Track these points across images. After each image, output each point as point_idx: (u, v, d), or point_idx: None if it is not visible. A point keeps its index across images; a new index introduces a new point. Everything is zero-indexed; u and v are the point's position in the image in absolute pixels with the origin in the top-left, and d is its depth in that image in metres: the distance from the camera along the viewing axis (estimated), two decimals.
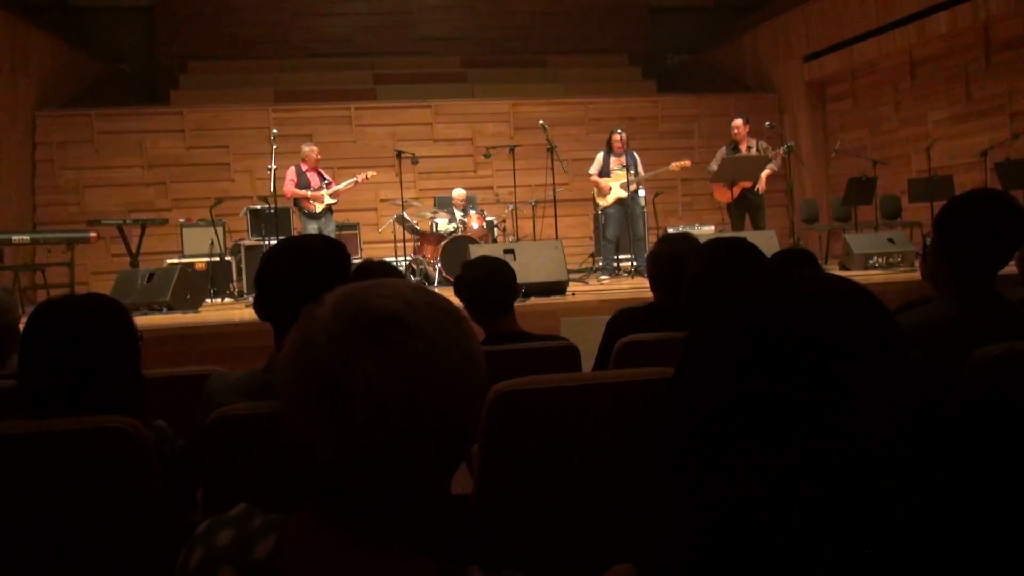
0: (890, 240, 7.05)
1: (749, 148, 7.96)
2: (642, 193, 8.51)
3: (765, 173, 7.74)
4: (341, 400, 0.74)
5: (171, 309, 6.15)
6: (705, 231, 8.94)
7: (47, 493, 1.53)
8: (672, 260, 2.51)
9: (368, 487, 0.77)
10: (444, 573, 0.80)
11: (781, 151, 7.90)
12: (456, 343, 0.79)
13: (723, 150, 8.05)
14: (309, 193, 7.87)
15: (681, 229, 8.92)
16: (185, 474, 1.72)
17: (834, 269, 6.94)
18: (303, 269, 1.58)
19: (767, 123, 8.35)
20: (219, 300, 7.75)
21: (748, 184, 7.73)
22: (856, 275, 6.13)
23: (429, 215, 8.73)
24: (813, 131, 11.28)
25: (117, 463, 1.52)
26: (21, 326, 2.18)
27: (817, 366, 0.67)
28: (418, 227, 8.65)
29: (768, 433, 0.67)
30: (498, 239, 8.76)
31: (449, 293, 6.95)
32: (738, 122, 8.00)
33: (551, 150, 7.90)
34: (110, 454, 1.51)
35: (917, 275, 5.46)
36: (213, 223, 8.10)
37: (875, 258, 6.84)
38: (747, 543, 0.70)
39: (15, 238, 7.44)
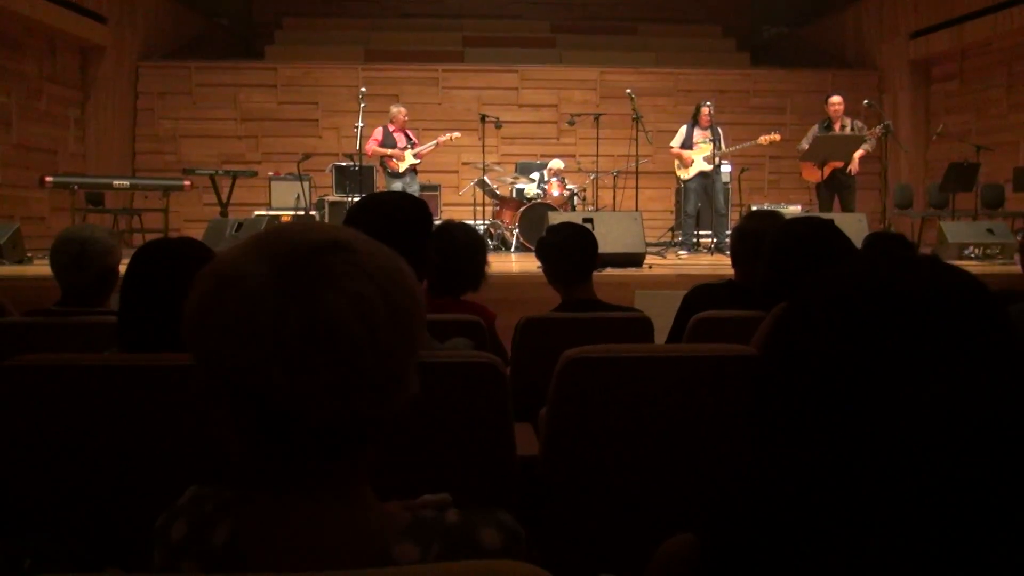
0: (989, 230, 6.71)
1: (843, 127, 7.67)
2: (726, 168, 8.31)
3: (859, 154, 7.46)
4: (280, 331, 0.69)
5: None
6: (791, 211, 8.69)
7: (138, 423, 1.62)
8: (756, 237, 2.46)
9: (318, 418, 0.72)
10: (413, 524, 0.77)
11: (877, 131, 7.59)
12: (393, 275, 0.75)
13: (815, 128, 7.77)
14: (390, 151, 7.98)
15: (766, 207, 8.69)
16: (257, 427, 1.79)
17: None
18: (387, 225, 1.62)
19: (865, 101, 8.00)
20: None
21: (840, 164, 7.46)
22: None
23: (510, 180, 8.74)
24: (914, 113, 10.76)
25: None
26: (121, 267, 2.30)
27: (918, 352, 0.66)
28: (498, 192, 8.68)
29: (861, 417, 0.67)
30: (577, 208, 8.72)
31: (525, 258, 6.96)
32: (835, 99, 7.70)
33: (637, 120, 7.78)
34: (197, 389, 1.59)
35: (1017, 268, 5.20)
36: (300, 178, 8.32)
37: (971, 248, 6.53)
38: (820, 521, 0.69)
39: (116, 183, 7.80)
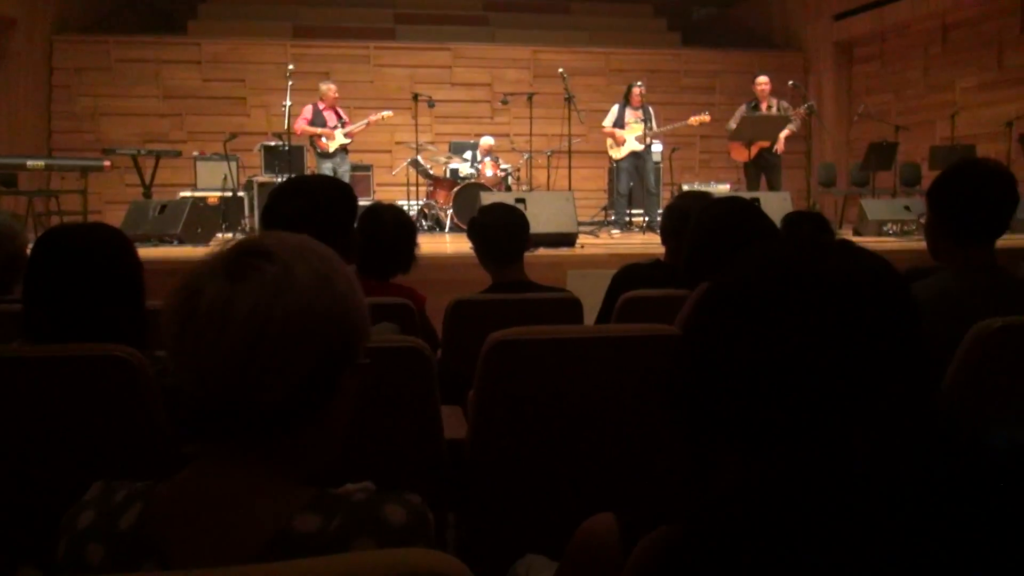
0: (906, 207, 6.97)
1: (770, 107, 7.83)
2: (657, 148, 8.40)
3: (784, 133, 7.63)
4: (193, 316, 0.78)
5: (182, 242, 6.18)
6: (721, 189, 8.86)
7: (47, 417, 1.56)
8: (686, 216, 2.49)
9: (225, 409, 0.79)
10: (318, 497, 0.80)
11: (802, 111, 7.78)
12: (318, 277, 0.81)
13: (743, 108, 7.92)
14: (320, 130, 7.82)
15: (697, 186, 8.84)
16: (178, 410, 1.74)
17: (847, 235, 6.88)
18: (308, 209, 1.59)
19: (790, 82, 8.19)
20: (230, 235, 7.77)
21: (766, 144, 7.63)
22: (869, 241, 6.08)
23: (443, 160, 8.68)
24: (837, 93, 11.07)
25: (117, 390, 1.54)
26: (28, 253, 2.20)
27: (826, 333, 0.68)
28: (431, 171, 8.61)
29: (777, 394, 0.68)
30: (512, 187, 8.71)
31: (460, 239, 6.95)
32: (762, 79, 7.86)
33: (569, 99, 7.80)
34: (110, 381, 1.54)
35: None
36: (227, 158, 8.08)
37: (889, 225, 6.77)
38: (742, 499, 0.70)
39: (30, 163, 7.45)
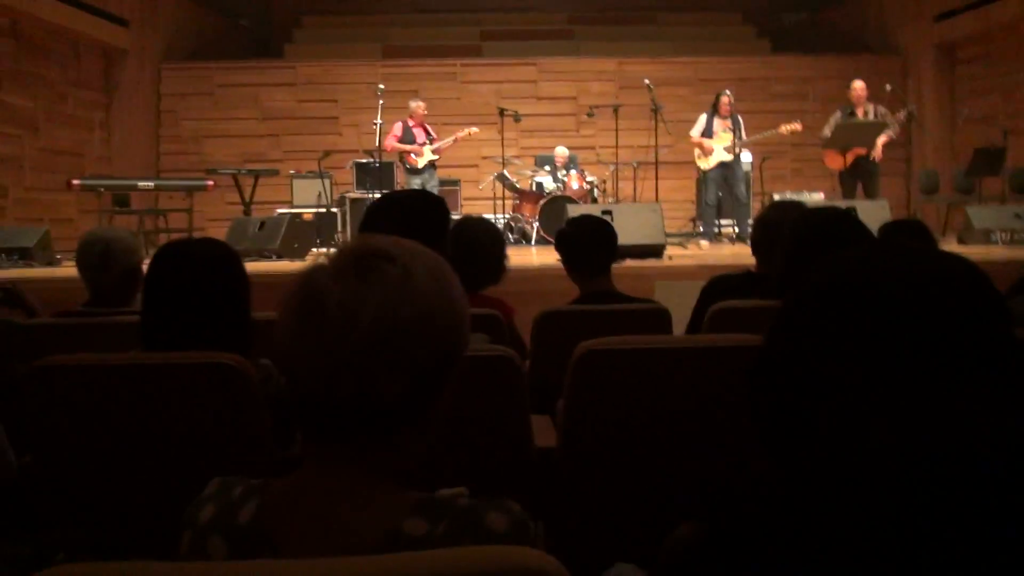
0: (1017, 215, 6.61)
1: (866, 113, 7.58)
2: (747, 157, 8.24)
3: (882, 140, 7.36)
4: (318, 314, 0.79)
5: (280, 257, 6.43)
6: (814, 199, 8.60)
7: (160, 420, 1.66)
8: (777, 226, 2.44)
9: (344, 408, 0.80)
10: (424, 501, 0.82)
11: (901, 116, 7.49)
12: (435, 277, 0.84)
13: (838, 114, 7.69)
14: (409, 147, 8.01)
15: (789, 196, 8.62)
16: (287, 411, 1.82)
17: (951, 244, 6.58)
18: (403, 223, 1.64)
19: (888, 86, 7.90)
20: (325, 250, 8.04)
21: (863, 151, 7.38)
22: (975, 250, 5.80)
23: (529, 173, 8.75)
24: (939, 96, 10.60)
25: (225, 396, 1.63)
26: (144, 267, 2.35)
27: (914, 342, 0.66)
28: (518, 185, 8.69)
29: (858, 405, 0.67)
30: (598, 200, 8.70)
31: (546, 252, 6.97)
32: (858, 84, 7.61)
33: (656, 110, 7.74)
34: (219, 387, 1.63)
35: None
36: (321, 175, 8.37)
37: (998, 233, 6.44)
38: (823, 511, 0.70)
39: (141, 184, 7.92)
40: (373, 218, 1.71)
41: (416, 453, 0.87)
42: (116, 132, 9.92)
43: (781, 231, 2.40)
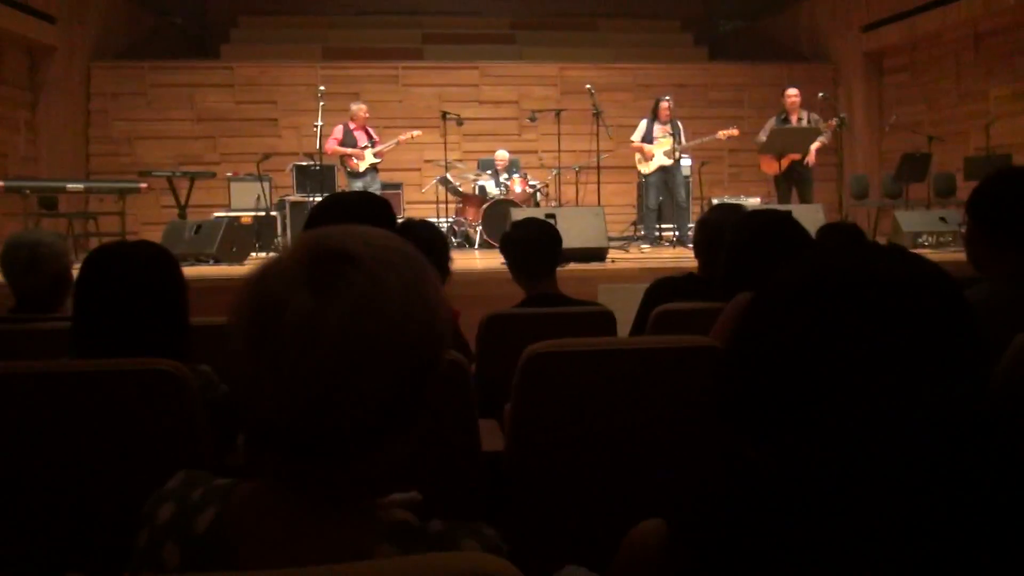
0: (942, 219, 6.88)
1: (800, 120, 7.79)
2: (686, 162, 8.39)
3: (815, 146, 7.59)
4: (275, 330, 0.71)
5: (217, 261, 6.28)
6: (751, 203, 8.80)
7: (95, 429, 1.59)
8: (719, 229, 2.49)
9: (306, 430, 0.72)
10: (396, 527, 0.76)
11: (833, 123, 7.72)
12: (407, 285, 0.74)
13: (772, 121, 7.89)
14: (350, 151, 7.92)
15: (726, 200, 8.80)
16: (227, 418, 1.77)
17: None
18: (348, 222, 1.61)
19: (820, 94, 8.14)
20: (264, 254, 7.88)
21: (797, 156, 7.59)
22: None
23: (472, 177, 8.74)
24: (868, 104, 10.98)
25: (163, 403, 1.58)
26: (73, 271, 2.26)
27: (883, 339, 0.68)
28: (460, 189, 8.67)
29: (824, 406, 0.68)
30: (540, 204, 8.74)
31: (490, 255, 6.97)
32: (791, 91, 7.83)
33: (597, 115, 7.82)
34: (156, 395, 1.58)
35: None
36: (260, 178, 8.21)
37: (925, 236, 6.69)
38: (783, 510, 0.71)
39: (70, 186, 7.64)
40: (318, 218, 1.68)
41: (396, 464, 0.79)
42: (43, 132, 9.55)
43: (722, 233, 2.44)
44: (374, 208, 1.69)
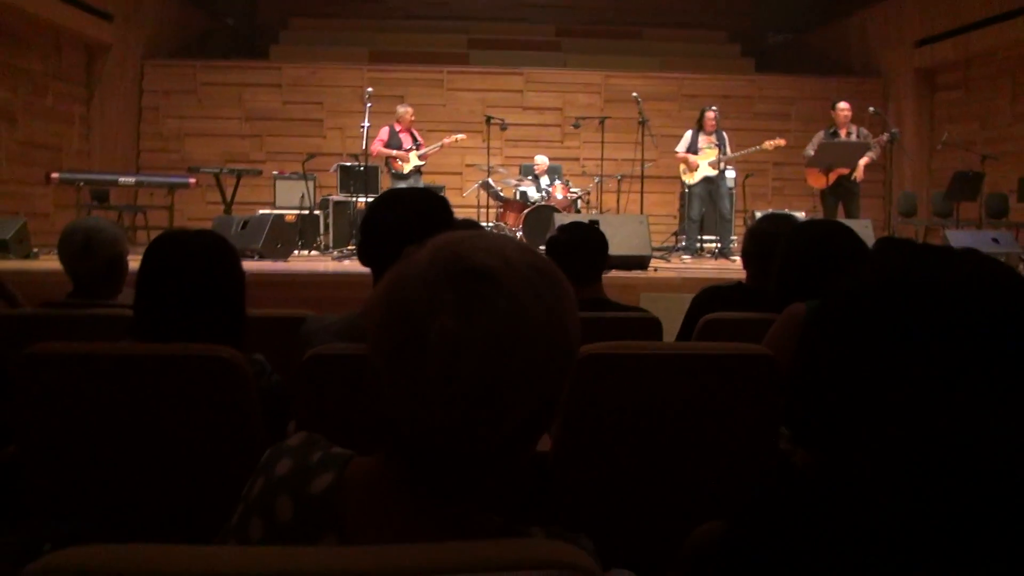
0: (994, 240, 6.72)
1: (849, 134, 7.68)
2: (730, 174, 8.31)
3: (863, 161, 7.47)
4: (416, 351, 0.71)
5: (262, 257, 6.37)
6: (797, 217, 8.70)
7: (152, 411, 1.63)
8: (771, 239, 2.45)
9: (436, 450, 0.74)
10: (507, 530, 0.77)
11: (884, 138, 7.60)
12: (548, 308, 0.73)
13: (821, 134, 7.79)
14: (395, 152, 7.99)
15: (770, 212, 8.70)
16: (279, 407, 1.80)
17: None
18: (407, 219, 1.63)
19: (871, 109, 8.03)
20: (306, 252, 7.98)
21: (845, 171, 7.48)
22: None
23: (514, 182, 8.76)
24: (919, 121, 10.78)
25: (219, 389, 1.60)
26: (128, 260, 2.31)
27: (971, 342, 0.66)
28: (502, 194, 8.69)
29: (910, 407, 0.67)
30: (581, 211, 8.73)
31: None
32: (842, 105, 7.71)
33: (643, 123, 7.79)
34: (213, 380, 1.60)
35: None
36: (304, 177, 8.32)
37: None
38: (860, 510, 0.69)
39: (121, 180, 7.82)
40: (376, 214, 1.69)
41: (514, 471, 0.80)
42: (96, 127, 9.79)
43: (774, 243, 2.41)
44: (433, 206, 1.70)
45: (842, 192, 7.56)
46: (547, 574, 0.63)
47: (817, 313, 0.78)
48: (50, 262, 5.65)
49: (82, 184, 7.56)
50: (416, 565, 0.63)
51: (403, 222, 1.64)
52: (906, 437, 0.67)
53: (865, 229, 6.16)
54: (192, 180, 7.86)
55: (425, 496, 0.76)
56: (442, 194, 1.82)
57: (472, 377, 0.70)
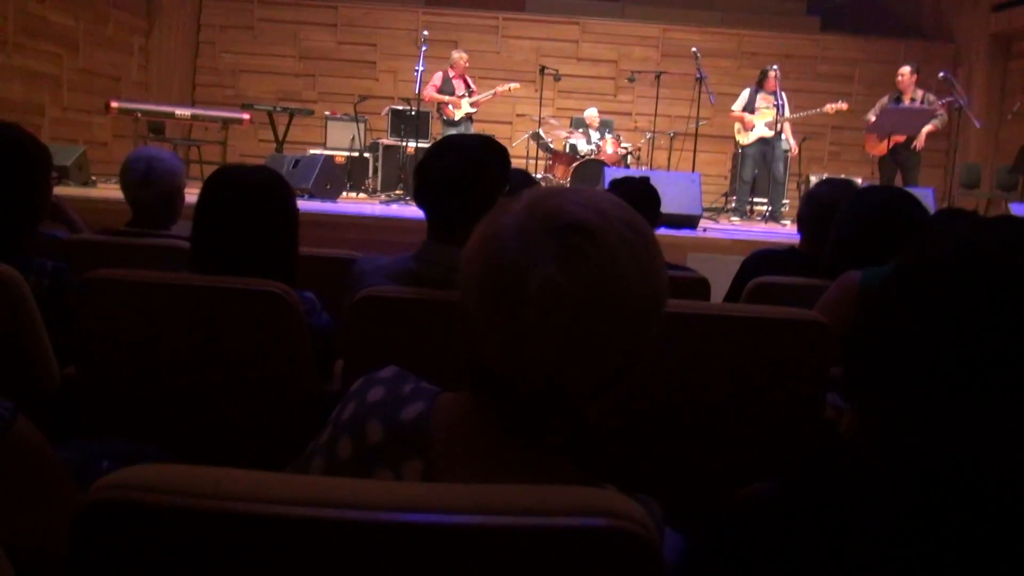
0: None
1: (913, 100, 7.41)
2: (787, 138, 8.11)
3: (927, 129, 7.21)
4: (515, 300, 0.73)
5: (312, 196, 6.43)
6: (856, 183, 8.48)
7: (206, 341, 1.67)
8: (830, 204, 2.38)
9: (527, 395, 0.76)
10: (581, 477, 0.81)
11: (951, 102, 7.29)
12: (640, 265, 0.76)
13: (884, 100, 7.52)
14: (448, 98, 7.94)
15: (826, 178, 8.49)
16: (328, 345, 1.83)
17: None
18: (464, 166, 1.62)
19: (940, 74, 7.71)
20: (355, 194, 8.03)
21: (903, 139, 7.23)
22: None
23: (564, 134, 8.66)
24: (990, 89, 10.34)
25: (271, 323, 1.63)
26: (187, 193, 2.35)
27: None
28: (552, 145, 8.61)
29: (973, 380, 0.65)
30: (631, 166, 8.61)
31: None
32: (905, 69, 7.43)
33: (700, 80, 7.61)
34: (266, 314, 1.63)
35: None
36: (356, 119, 8.33)
37: None
38: (913, 486, 0.68)
39: (178, 112, 7.91)
40: (432, 159, 1.68)
41: (594, 418, 0.85)
42: (155, 59, 9.88)
43: (833, 208, 2.35)
44: (491, 155, 1.68)
45: (901, 160, 7.32)
46: (603, 521, 0.64)
47: (887, 281, 0.76)
48: (109, 190, 5.77)
49: (140, 115, 7.67)
50: (466, 503, 0.64)
51: (459, 169, 1.63)
52: (978, 410, 0.65)
53: (925, 199, 5.97)
54: (246, 116, 7.92)
55: (508, 435, 0.80)
56: (499, 142, 1.81)
57: (570, 327, 0.72)
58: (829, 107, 7.64)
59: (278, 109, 8.18)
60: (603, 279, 0.73)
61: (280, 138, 7.89)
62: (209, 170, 2.50)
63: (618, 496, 0.68)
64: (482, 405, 0.81)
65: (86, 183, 6.43)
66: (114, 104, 7.46)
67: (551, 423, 0.81)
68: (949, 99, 7.29)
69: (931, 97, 7.46)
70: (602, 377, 0.77)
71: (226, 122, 7.89)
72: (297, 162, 6.68)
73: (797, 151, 8.03)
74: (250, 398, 1.66)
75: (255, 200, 1.69)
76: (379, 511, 0.64)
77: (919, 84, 7.45)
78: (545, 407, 0.78)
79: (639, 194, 2.76)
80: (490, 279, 0.75)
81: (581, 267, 0.73)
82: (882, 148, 7.33)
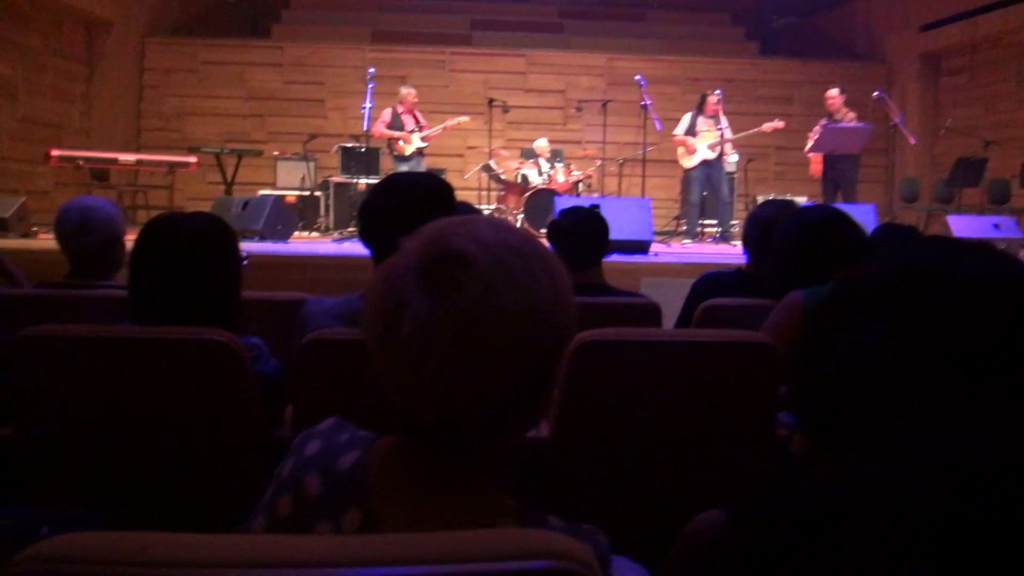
0: (996, 225, 6.70)
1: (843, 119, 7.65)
2: (732, 158, 8.27)
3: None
4: (394, 337, 0.75)
5: (263, 238, 6.36)
6: (799, 201, 8.68)
7: (149, 395, 1.63)
8: (771, 224, 2.43)
9: (429, 427, 0.78)
10: (523, 514, 0.80)
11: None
12: (520, 286, 0.75)
13: (823, 123, 7.76)
14: (397, 134, 7.95)
15: (773, 198, 8.68)
16: (276, 390, 1.79)
17: None
18: (407, 205, 1.62)
19: (875, 93, 7.97)
20: (307, 233, 7.96)
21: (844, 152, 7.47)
22: None
23: (515, 165, 8.73)
24: (922, 106, 10.71)
25: (215, 372, 1.60)
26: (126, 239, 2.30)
27: (971, 331, 0.65)
28: (503, 176, 8.66)
29: (910, 390, 0.66)
30: (582, 194, 8.70)
31: None
32: (833, 92, 7.69)
33: (646, 107, 7.74)
34: (209, 364, 1.60)
35: None
36: (305, 158, 8.30)
37: None
38: (861, 508, 0.68)
39: (122, 158, 7.80)
40: (376, 199, 1.68)
41: (519, 443, 0.85)
42: (96, 105, 9.74)
43: (773, 228, 2.40)
44: (434, 192, 1.68)
45: (840, 171, 7.53)
46: (544, 563, 0.63)
47: (828, 300, 0.77)
48: (50, 241, 5.64)
49: (82, 163, 7.54)
50: (400, 554, 0.63)
51: (403, 208, 1.63)
52: (923, 429, 0.66)
53: (867, 215, 6.14)
54: (193, 160, 7.83)
55: (436, 472, 0.80)
56: (444, 178, 1.81)
57: (444, 355, 0.73)
58: (767, 126, 7.84)
59: (226, 151, 8.12)
60: (475, 305, 0.73)
61: (229, 180, 7.81)
62: (160, 213, 2.46)
63: (557, 536, 0.67)
64: (409, 444, 0.82)
65: (26, 234, 6.28)
66: (55, 153, 7.33)
67: (474, 453, 0.80)
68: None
69: (851, 115, 7.73)
70: (499, 400, 0.76)
71: (172, 166, 7.80)
72: (246, 204, 6.61)
73: (736, 166, 8.20)
74: (197, 451, 1.62)
75: (190, 248, 1.66)
76: (316, 568, 0.63)
77: (853, 104, 7.69)
78: (452, 437, 0.78)
79: (587, 224, 2.78)
80: (377, 316, 0.77)
81: (452, 296, 0.73)
82: (819, 166, 7.56)
